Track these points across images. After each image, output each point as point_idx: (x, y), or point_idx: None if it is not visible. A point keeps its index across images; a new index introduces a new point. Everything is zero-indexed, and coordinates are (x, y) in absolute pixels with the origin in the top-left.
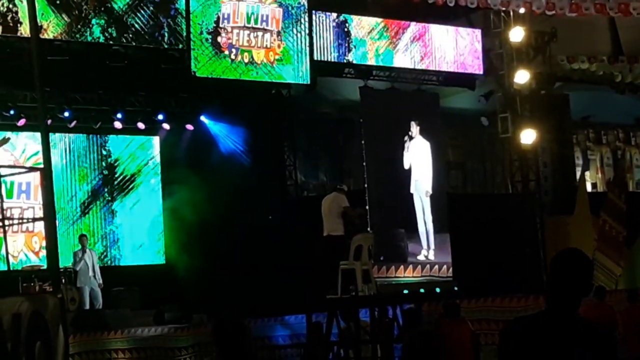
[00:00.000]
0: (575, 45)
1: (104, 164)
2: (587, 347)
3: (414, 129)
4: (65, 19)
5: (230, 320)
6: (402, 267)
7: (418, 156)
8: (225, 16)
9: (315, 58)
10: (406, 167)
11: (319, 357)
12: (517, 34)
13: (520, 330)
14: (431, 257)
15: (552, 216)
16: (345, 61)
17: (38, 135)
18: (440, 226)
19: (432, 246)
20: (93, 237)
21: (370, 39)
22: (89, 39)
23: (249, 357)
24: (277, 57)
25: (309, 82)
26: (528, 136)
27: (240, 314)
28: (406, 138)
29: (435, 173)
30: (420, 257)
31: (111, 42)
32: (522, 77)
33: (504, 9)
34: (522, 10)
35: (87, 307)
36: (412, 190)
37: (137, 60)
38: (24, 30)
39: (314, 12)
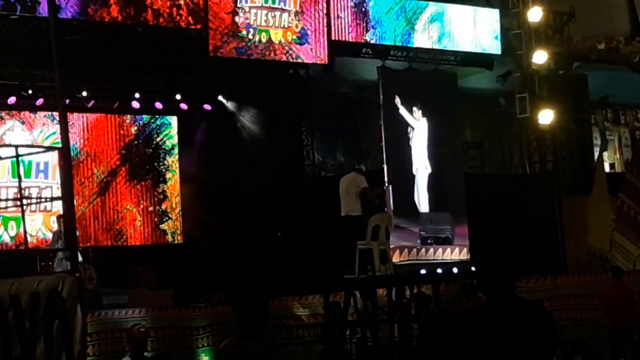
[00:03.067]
0: (593, 26)
1: (121, 143)
2: (527, 326)
3: (417, 114)
4: None
5: (252, 297)
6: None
7: (420, 138)
8: None
9: (333, 38)
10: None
11: (336, 336)
12: (535, 14)
13: (473, 322)
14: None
15: (570, 197)
16: (363, 41)
17: (56, 114)
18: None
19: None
20: (112, 216)
21: (388, 19)
22: (107, 19)
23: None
24: (294, 37)
25: (326, 62)
26: (546, 116)
27: (261, 293)
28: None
29: (452, 153)
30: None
31: (129, 22)
32: (540, 57)
33: None
34: None
35: None
36: (414, 172)
37: (155, 40)
38: (42, 10)
39: None
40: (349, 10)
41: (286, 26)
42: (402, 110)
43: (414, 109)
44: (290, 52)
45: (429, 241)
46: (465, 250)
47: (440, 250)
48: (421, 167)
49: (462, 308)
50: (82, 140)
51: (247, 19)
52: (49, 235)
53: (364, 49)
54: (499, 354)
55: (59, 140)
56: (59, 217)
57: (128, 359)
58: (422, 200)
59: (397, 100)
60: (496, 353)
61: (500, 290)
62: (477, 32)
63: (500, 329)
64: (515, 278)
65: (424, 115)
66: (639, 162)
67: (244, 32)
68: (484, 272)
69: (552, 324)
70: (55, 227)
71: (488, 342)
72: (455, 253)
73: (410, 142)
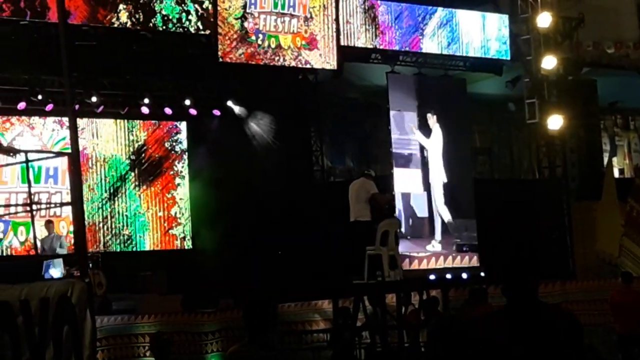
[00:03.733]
0: (602, 31)
1: (131, 149)
2: (552, 332)
3: (431, 120)
4: (93, 4)
5: (259, 301)
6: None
7: (435, 147)
8: (253, 1)
9: (342, 43)
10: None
11: (345, 342)
12: (544, 20)
13: (489, 327)
14: (437, 248)
15: (579, 202)
16: (372, 46)
17: (65, 120)
18: (467, 213)
19: (439, 238)
20: (121, 221)
21: (397, 24)
22: (116, 24)
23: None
24: (304, 42)
25: (335, 68)
26: (555, 122)
27: (267, 297)
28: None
29: (461, 159)
30: (429, 248)
31: (138, 28)
32: (549, 62)
33: None
34: None
35: None
36: (430, 180)
37: (164, 45)
38: (52, 15)
39: None
40: (358, 16)
41: (295, 32)
42: (418, 135)
43: (429, 115)
44: (300, 57)
45: (464, 249)
46: (475, 257)
47: (450, 258)
48: (437, 180)
49: (472, 314)
50: (91, 146)
51: (256, 24)
52: None
53: (373, 54)
54: (523, 357)
55: (69, 145)
56: (47, 222)
57: None
58: (441, 209)
59: (412, 126)
60: (520, 357)
61: (526, 293)
62: (486, 38)
63: (524, 332)
64: (538, 281)
65: (437, 121)
66: None
67: (253, 37)
68: (510, 274)
69: (578, 328)
70: (45, 232)
71: (510, 346)
72: (465, 261)
73: (426, 161)
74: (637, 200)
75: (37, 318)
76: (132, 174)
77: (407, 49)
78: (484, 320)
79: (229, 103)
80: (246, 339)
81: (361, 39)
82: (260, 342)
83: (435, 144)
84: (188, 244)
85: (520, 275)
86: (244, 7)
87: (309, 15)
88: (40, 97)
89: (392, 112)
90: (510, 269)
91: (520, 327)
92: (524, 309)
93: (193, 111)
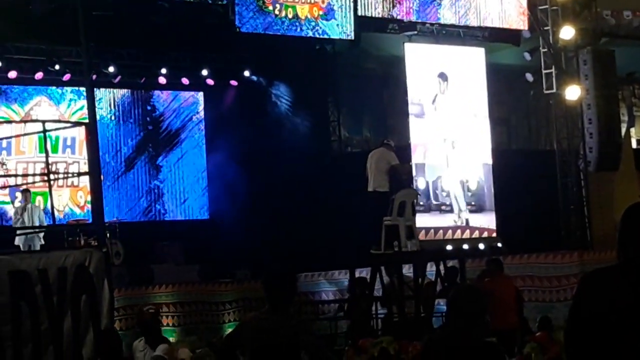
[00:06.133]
0: (620, 1)
1: (148, 119)
2: None
3: (442, 84)
4: None
5: (282, 272)
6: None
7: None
8: None
9: (360, 13)
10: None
11: (362, 312)
12: None
13: (600, 280)
14: (462, 221)
15: (597, 172)
16: (389, 16)
17: (83, 90)
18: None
19: (463, 208)
20: (137, 191)
21: None
22: None
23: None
24: (321, 12)
25: (353, 38)
26: (573, 92)
27: (290, 268)
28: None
29: (479, 129)
30: (450, 223)
31: None
32: (567, 33)
33: None
34: None
35: None
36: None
37: (182, 15)
38: None
39: None
40: None
41: (312, 2)
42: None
43: (440, 79)
44: (317, 27)
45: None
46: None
47: (467, 231)
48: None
49: (486, 285)
50: (108, 116)
51: None
52: (77, 210)
53: (390, 24)
54: None
55: (86, 115)
56: (24, 191)
57: (142, 341)
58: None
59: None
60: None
61: None
62: (504, 8)
63: None
64: None
65: (450, 89)
66: None
67: (271, 7)
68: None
69: None
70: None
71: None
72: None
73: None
74: None
75: (56, 287)
76: (150, 144)
77: (425, 19)
78: (596, 277)
79: (246, 73)
80: (266, 308)
81: (378, 9)
82: (280, 312)
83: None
84: (205, 215)
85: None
86: None
87: None
88: (57, 67)
89: (408, 83)
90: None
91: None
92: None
93: (210, 81)
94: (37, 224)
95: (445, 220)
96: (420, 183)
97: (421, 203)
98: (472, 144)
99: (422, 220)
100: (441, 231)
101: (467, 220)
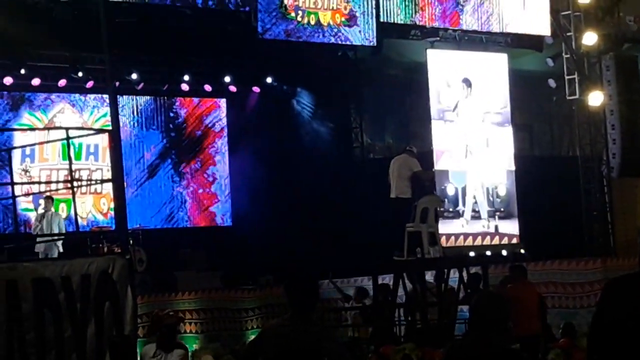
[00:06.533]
0: None
1: (171, 125)
2: None
3: (465, 90)
4: None
5: (305, 278)
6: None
7: (470, 118)
8: None
9: (382, 20)
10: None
11: (385, 318)
12: None
13: (622, 287)
14: (489, 227)
15: (620, 179)
16: (411, 23)
17: (106, 97)
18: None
19: (484, 216)
20: (161, 198)
21: (437, 0)
22: (156, 1)
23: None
24: (343, 19)
25: (375, 44)
26: (596, 98)
27: (312, 274)
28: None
29: (502, 135)
30: (480, 229)
31: (178, 4)
32: (590, 38)
33: None
34: None
35: None
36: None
37: (204, 22)
38: None
39: None
40: None
41: (335, 8)
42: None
43: (464, 85)
44: (339, 34)
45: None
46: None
47: (497, 237)
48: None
49: (509, 291)
50: (131, 123)
51: (295, 1)
52: (100, 217)
53: (412, 30)
54: None
55: (109, 122)
56: (46, 198)
57: (154, 346)
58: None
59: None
60: None
61: None
62: (527, 14)
63: None
64: None
65: (473, 95)
66: None
67: (293, 14)
68: None
69: None
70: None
71: None
72: (505, 239)
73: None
74: None
75: (79, 294)
76: (172, 150)
77: (447, 25)
78: (619, 284)
79: (269, 80)
80: (288, 314)
81: (400, 15)
82: (303, 318)
83: (468, 115)
84: (228, 221)
85: None
86: None
87: None
88: (80, 74)
89: (431, 89)
90: None
91: None
92: None
93: (233, 88)
94: (55, 231)
95: (474, 227)
96: (449, 190)
97: (450, 210)
98: (494, 150)
99: (452, 227)
100: (470, 237)
101: (496, 227)
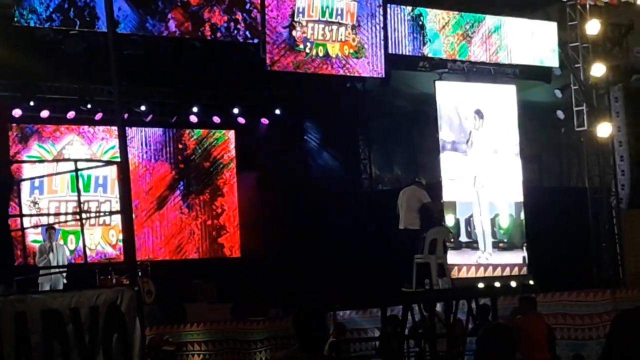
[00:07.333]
0: None
1: (180, 157)
2: None
3: (477, 121)
4: (142, 13)
5: (312, 309)
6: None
7: (481, 149)
8: (300, 10)
9: (390, 51)
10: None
11: (394, 349)
12: (593, 27)
13: (634, 319)
14: (486, 260)
15: (629, 210)
16: (420, 54)
17: (115, 129)
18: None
19: (489, 248)
20: (169, 230)
21: (445, 32)
22: (165, 33)
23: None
24: (351, 50)
25: (383, 76)
26: (604, 130)
27: (320, 305)
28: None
29: (511, 167)
30: (475, 260)
31: (187, 37)
32: (598, 70)
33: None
34: None
35: None
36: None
37: (213, 54)
38: (101, 25)
39: (388, 5)
40: (406, 24)
41: (343, 40)
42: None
43: (476, 116)
44: (347, 65)
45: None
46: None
47: (499, 268)
48: (484, 192)
49: (518, 322)
50: (140, 154)
51: (304, 33)
52: (108, 249)
53: (420, 62)
54: None
55: (118, 154)
56: (47, 229)
57: None
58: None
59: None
60: None
61: None
62: (535, 45)
63: None
64: None
65: (483, 126)
66: None
67: (301, 46)
68: None
69: None
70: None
71: None
72: (515, 270)
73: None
74: None
75: (87, 326)
76: (181, 182)
77: (455, 56)
78: (628, 317)
79: (277, 111)
80: (296, 346)
81: (409, 47)
82: (310, 350)
83: (480, 147)
84: (237, 253)
85: None
86: (292, 15)
87: (356, 24)
88: (89, 106)
89: (440, 120)
90: None
91: None
92: None
93: (241, 119)
94: (61, 262)
95: (470, 258)
96: (448, 220)
97: (451, 240)
98: (503, 181)
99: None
100: (473, 268)
101: (488, 258)
